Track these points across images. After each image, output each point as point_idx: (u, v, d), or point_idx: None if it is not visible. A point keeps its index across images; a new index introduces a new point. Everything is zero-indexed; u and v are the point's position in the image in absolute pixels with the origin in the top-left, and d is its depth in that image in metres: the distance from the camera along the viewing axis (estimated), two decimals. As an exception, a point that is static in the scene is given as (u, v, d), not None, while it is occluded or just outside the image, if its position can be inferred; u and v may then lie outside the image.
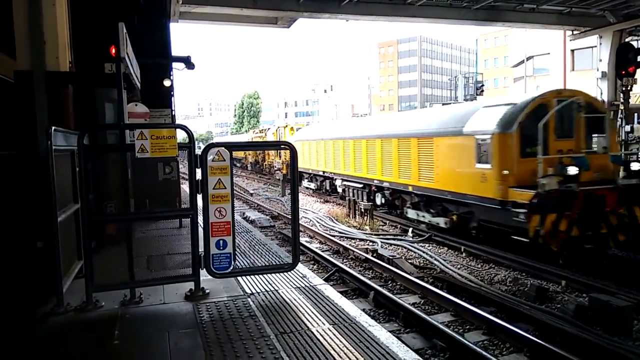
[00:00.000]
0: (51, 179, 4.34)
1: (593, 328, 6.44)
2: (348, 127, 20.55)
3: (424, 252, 11.05)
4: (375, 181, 16.00)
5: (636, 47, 16.13)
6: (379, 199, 16.38)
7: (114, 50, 5.27)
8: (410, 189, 13.64)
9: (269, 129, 38.39)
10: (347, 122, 24.69)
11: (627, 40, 16.79)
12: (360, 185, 17.48)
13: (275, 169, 27.37)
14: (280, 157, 28.48)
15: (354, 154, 17.69)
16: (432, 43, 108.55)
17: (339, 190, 19.72)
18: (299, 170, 25.67)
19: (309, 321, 4.37)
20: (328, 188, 21.61)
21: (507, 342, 6.10)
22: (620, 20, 16.34)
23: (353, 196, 17.53)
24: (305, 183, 24.61)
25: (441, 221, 12.30)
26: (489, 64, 70.69)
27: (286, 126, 31.82)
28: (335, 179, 20.11)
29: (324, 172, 21.48)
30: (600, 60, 16.93)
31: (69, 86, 5.94)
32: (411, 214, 13.97)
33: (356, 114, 51.03)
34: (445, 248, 11.63)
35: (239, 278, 5.60)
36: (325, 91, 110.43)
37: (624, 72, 15.55)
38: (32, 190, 5.35)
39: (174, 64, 11.85)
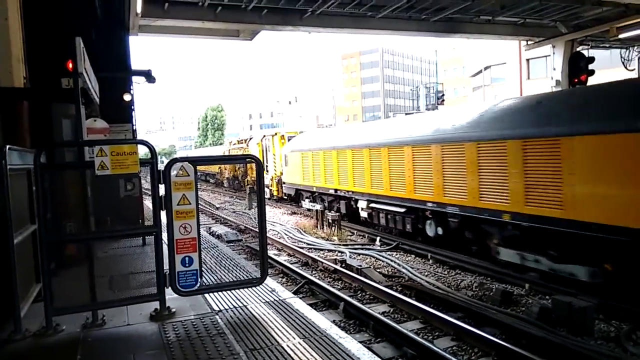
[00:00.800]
0: (6, 200, 4.16)
1: (557, 329, 6.61)
2: (377, 130, 15.30)
3: (392, 260, 11.14)
4: (430, 204, 11.35)
5: (587, 56, 16.86)
6: (432, 229, 11.70)
7: (70, 65, 5.14)
8: (506, 217, 9.01)
9: (250, 138, 32.11)
10: (374, 125, 18.96)
11: (578, 49, 17.53)
12: (402, 210, 12.74)
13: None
14: (268, 171, 24.66)
15: (388, 166, 13.11)
16: (394, 54, 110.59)
17: (363, 215, 15.02)
18: (298, 188, 20.56)
19: (279, 336, 4.32)
20: (343, 211, 16.53)
21: (475, 346, 6.20)
22: (571, 31, 17.05)
23: (386, 223, 13.65)
24: (306, 204, 19.50)
25: (580, 271, 7.94)
26: (449, 74, 72.51)
27: (275, 134, 25.56)
28: (357, 200, 15.27)
29: (336, 190, 16.62)
30: (554, 69, 17.60)
31: (23, 102, 5.75)
32: (508, 255, 9.38)
33: (321, 125, 51.00)
34: (413, 256, 11.75)
35: (207, 295, 5.49)
36: (289, 103, 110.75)
37: (576, 80, 16.22)
38: (-15, 211, 5.12)
39: (134, 78, 11.65)
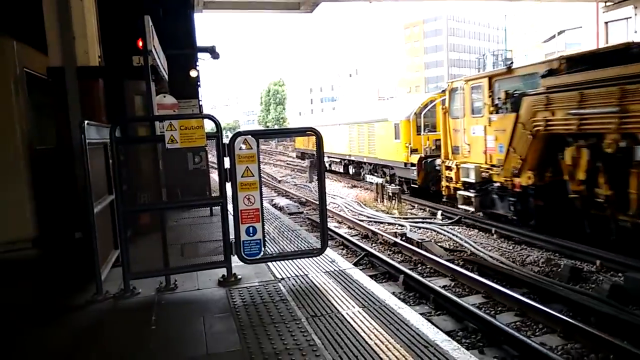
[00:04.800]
0: (86, 172, 4.49)
1: (629, 308, 6.32)
2: None
3: (453, 234, 10.98)
4: None
5: (674, 16, 15.43)
6: None
7: (140, 43, 5.37)
8: None
9: None
10: None
11: (664, 9, 16.08)
12: None
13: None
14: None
15: None
16: (459, 21, 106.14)
17: None
18: None
19: (338, 304, 4.43)
20: None
21: (540, 323, 6.06)
22: (657, -11, 15.63)
23: None
24: None
25: None
26: (518, 39, 68.69)
27: None
28: None
29: None
30: (636, 32, 16.28)
31: (99, 80, 6.09)
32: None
33: (382, 97, 50.10)
34: (476, 230, 11.51)
35: (269, 263, 5.70)
36: (350, 75, 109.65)
37: (661, 44, 14.89)
38: (69, 182, 5.55)
39: (200, 55, 11.99)
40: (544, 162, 9.73)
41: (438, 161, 14.12)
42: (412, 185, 16.17)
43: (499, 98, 10.93)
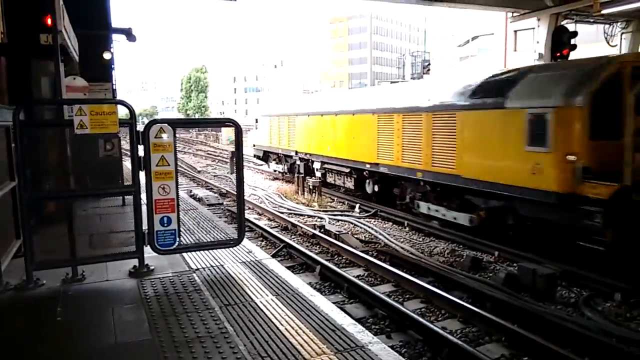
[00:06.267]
0: (-15, 156, 4.20)
1: (521, 294, 6.95)
2: None
3: (369, 227, 11.40)
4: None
5: (571, 30, 16.91)
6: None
7: (49, 21, 5.08)
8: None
9: None
10: None
11: (562, 23, 17.57)
12: None
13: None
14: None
15: None
16: (383, 20, 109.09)
17: None
18: None
19: (253, 293, 4.51)
20: None
21: (442, 309, 6.51)
22: (557, 4, 17.04)
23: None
24: None
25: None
26: (438, 42, 71.92)
27: None
28: None
29: None
30: (538, 42, 17.66)
31: (1, 58, 5.69)
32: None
33: (307, 90, 50.37)
34: (390, 223, 12.03)
35: (185, 254, 5.64)
36: (275, 66, 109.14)
37: (558, 54, 16.30)
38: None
39: (114, 36, 11.45)
40: None
41: None
42: (580, 243, 8.30)
43: None
